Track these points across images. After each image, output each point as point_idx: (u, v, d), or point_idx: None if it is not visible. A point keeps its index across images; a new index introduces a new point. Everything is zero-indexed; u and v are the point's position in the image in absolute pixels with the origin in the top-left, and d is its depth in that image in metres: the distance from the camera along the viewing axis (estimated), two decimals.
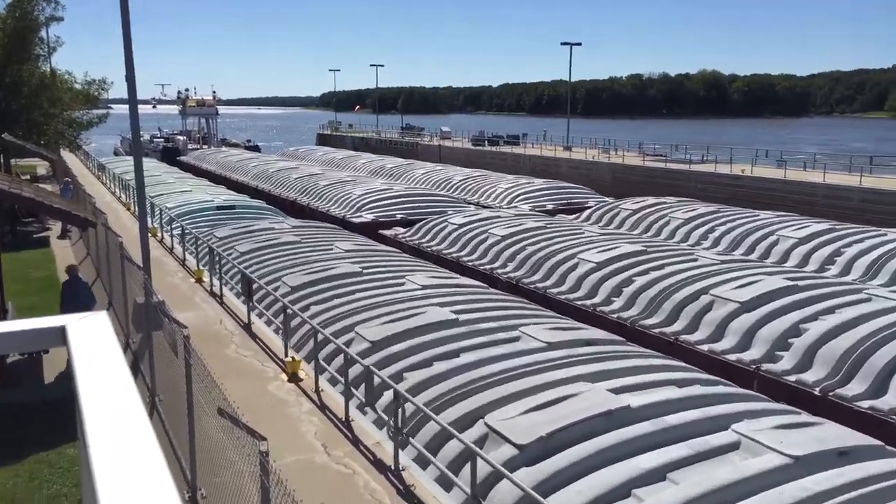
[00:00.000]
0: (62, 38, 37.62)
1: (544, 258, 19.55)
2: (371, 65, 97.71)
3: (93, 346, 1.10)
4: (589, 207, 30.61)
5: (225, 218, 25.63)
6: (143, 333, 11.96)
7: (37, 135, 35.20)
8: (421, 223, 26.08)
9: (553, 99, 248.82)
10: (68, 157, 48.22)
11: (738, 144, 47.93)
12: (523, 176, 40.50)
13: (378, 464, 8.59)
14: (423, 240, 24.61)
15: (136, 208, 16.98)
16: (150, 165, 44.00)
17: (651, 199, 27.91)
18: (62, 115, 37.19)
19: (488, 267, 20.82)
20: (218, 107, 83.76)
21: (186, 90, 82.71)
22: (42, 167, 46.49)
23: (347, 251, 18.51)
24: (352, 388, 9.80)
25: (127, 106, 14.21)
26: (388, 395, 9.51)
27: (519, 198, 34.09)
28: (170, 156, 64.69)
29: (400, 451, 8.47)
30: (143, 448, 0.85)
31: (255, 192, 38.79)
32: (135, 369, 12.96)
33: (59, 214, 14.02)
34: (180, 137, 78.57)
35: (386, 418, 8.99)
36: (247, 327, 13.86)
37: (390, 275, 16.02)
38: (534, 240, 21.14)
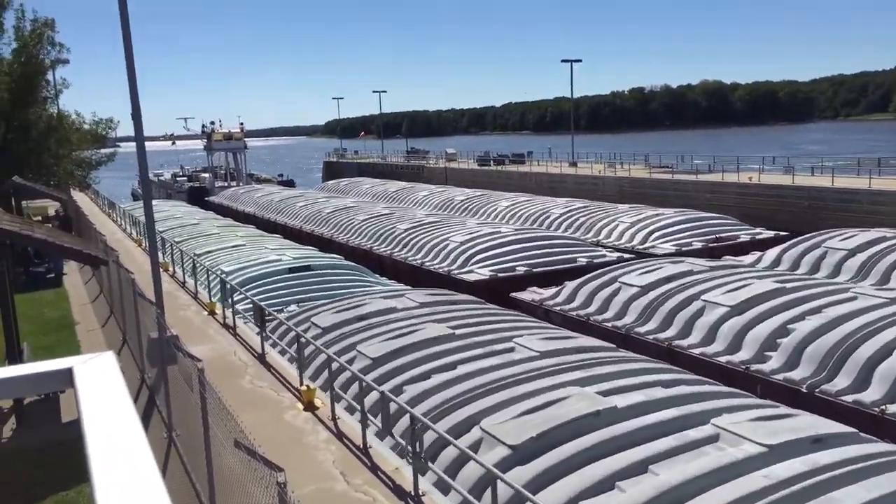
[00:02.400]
0: (68, 80, 38.11)
1: (854, 352, 12.17)
2: (374, 91, 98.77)
3: (99, 387, 1.08)
4: (748, 243, 25.14)
5: (303, 285, 19.90)
6: (158, 368, 11.96)
7: (46, 176, 35.63)
8: (578, 284, 18.64)
9: (556, 116, 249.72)
10: (79, 196, 48.72)
11: (744, 153, 47.78)
12: (645, 206, 32.68)
13: (398, 490, 8.50)
14: (590, 309, 17.38)
15: (148, 244, 17.10)
16: (183, 211, 39.52)
17: (863, 235, 20.71)
18: (71, 155, 37.64)
19: (755, 367, 12.97)
20: (246, 139, 76.62)
21: (212, 123, 74.98)
22: (53, 208, 46.97)
23: (544, 353, 11.59)
24: (368, 415, 9.73)
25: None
26: (405, 421, 9.44)
27: (655, 235, 27.29)
28: (198, 197, 59.56)
29: (420, 476, 8.39)
30: (149, 489, 0.83)
31: (311, 240, 32.21)
32: (151, 405, 12.96)
33: (70, 254, 14.12)
34: (205, 175, 73.01)
35: (404, 444, 8.92)
36: (261, 358, 13.84)
37: (681, 412, 9.32)
38: (793, 312, 13.81)
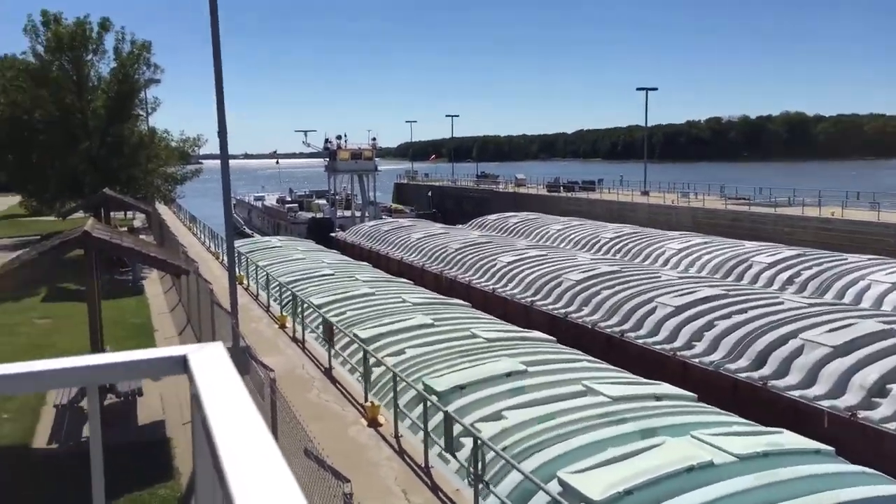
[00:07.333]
0: (160, 99, 40.10)
1: None
2: (446, 115, 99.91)
3: (214, 374, 1.19)
4: None
5: None
6: None
7: (135, 189, 37.42)
8: None
9: (628, 144, 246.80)
10: (162, 209, 50.92)
11: (826, 186, 45.99)
12: None
13: None
14: None
15: (226, 257, 17.72)
16: (356, 272, 24.22)
17: None
18: (158, 170, 39.47)
19: None
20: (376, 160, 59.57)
21: (338, 137, 58.60)
22: (138, 219, 49.21)
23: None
24: (431, 435, 9.79)
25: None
26: (467, 442, 9.44)
27: None
28: (320, 233, 45.32)
29: (480, 498, 8.37)
30: (277, 473, 0.90)
31: (620, 354, 17.13)
32: None
33: (155, 263, 14.79)
34: (320, 202, 59.88)
35: (466, 465, 8.92)
36: (328, 372, 14.11)
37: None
38: None
